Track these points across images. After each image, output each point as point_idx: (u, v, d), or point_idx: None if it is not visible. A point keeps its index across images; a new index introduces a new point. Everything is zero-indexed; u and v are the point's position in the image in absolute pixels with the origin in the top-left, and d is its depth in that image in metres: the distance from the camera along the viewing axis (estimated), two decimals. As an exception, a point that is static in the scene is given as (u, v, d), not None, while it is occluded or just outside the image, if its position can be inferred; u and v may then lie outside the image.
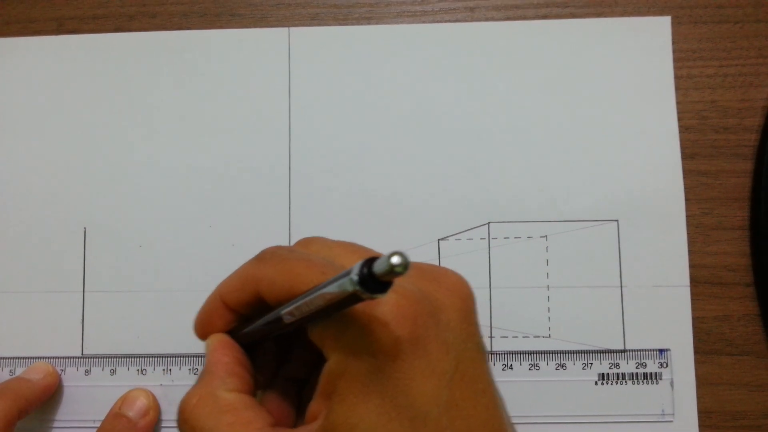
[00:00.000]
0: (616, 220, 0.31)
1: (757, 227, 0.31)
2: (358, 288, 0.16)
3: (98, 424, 0.29)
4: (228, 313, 0.23)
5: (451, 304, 0.20)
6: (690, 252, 0.31)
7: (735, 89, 0.32)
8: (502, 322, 0.31)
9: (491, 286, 0.31)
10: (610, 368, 0.30)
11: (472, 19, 0.33)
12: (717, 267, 0.32)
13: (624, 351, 0.31)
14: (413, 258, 0.16)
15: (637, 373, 0.30)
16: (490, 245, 0.31)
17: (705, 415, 0.31)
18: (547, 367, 0.30)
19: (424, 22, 0.33)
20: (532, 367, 0.31)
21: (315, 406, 0.20)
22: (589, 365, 0.30)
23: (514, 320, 0.31)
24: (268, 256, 0.22)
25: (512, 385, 0.30)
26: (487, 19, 0.33)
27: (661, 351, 0.31)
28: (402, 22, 0.33)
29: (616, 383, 0.30)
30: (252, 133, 0.32)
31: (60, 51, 0.33)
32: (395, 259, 0.15)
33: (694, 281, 0.31)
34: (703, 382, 0.31)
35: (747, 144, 0.32)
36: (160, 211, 0.32)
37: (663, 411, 0.30)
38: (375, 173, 0.32)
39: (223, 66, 0.33)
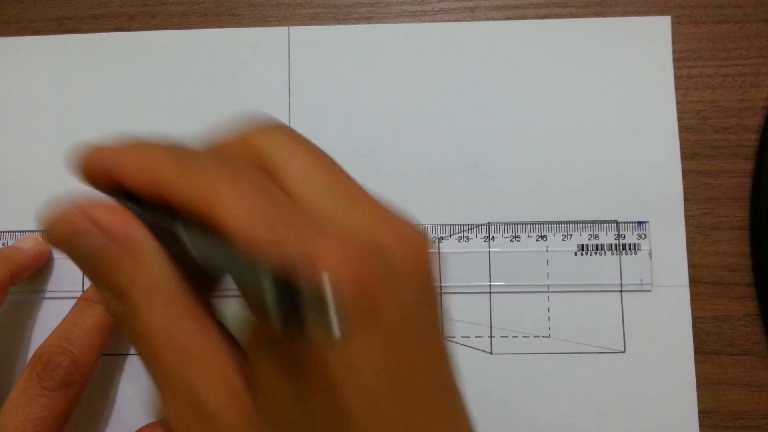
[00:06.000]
0: (616, 221, 0.31)
1: (757, 227, 0.31)
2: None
3: None
4: None
5: (407, 262, 0.17)
6: (689, 252, 0.31)
7: (735, 89, 0.32)
8: (501, 322, 0.31)
9: (491, 286, 0.31)
10: (589, 239, 0.31)
11: (472, 19, 0.33)
12: (717, 267, 0.32)
13: (624, 352, 0.31)
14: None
15: (615, 244, 0.31)
16: (491, 245, 0.31)
17: (705, 415, 0.31)
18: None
19: (424, 21, 0.33)
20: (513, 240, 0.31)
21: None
22: (569, 236, 0.31)
23: (514, 320, 0.31)
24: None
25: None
26: (487, 19, 0.33)
27: (639, 223, 0.31)
28: (402, 22, 0.33)
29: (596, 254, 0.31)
30: (252, 133, 0.32)
31: (60, 51, 0.33)
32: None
33: (694, 281, 0.31)
34: (703, 382, 0.31)
35: (747, 144, 0.32)
36: (160, 211, 0.32)
37: (641, 281, 0.31)
38: (375, 173, 0.32)
39: (223, 66, 0.33)
